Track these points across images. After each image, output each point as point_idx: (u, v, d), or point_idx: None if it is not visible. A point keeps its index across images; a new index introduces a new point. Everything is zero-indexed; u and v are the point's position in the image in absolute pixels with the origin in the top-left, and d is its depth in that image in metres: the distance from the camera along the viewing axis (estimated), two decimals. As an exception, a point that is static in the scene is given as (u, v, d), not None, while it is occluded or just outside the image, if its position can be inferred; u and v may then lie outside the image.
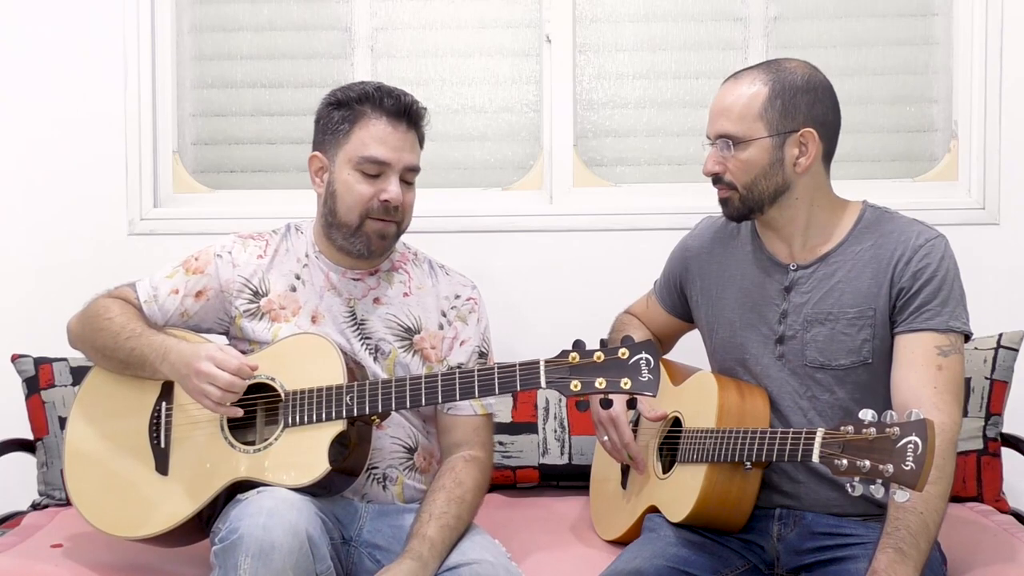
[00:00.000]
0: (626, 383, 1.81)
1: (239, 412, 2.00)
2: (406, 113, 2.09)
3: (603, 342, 1.85)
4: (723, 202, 2.09)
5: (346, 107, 2.11)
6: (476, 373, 1.91)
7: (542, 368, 1.86)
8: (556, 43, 2.95)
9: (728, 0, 2.97)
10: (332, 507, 2.03)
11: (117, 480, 2.11)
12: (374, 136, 2.07)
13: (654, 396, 1.84)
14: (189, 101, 3.04)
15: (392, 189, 2.07)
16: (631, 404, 1.87)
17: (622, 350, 1.82)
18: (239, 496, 1.94)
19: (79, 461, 2.16)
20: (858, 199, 2.14)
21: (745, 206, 2.06)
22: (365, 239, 2.11)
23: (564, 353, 1.85)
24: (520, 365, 1.88)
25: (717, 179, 2.08)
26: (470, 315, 2.23)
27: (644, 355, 1.82)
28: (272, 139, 3.05)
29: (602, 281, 2.85)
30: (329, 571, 1.88)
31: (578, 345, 1.86)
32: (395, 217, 2.11)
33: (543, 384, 1.86)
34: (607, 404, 1.87)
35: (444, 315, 2.21)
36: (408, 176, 2.12)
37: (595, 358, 1.83)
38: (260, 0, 3.02)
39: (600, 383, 1.82)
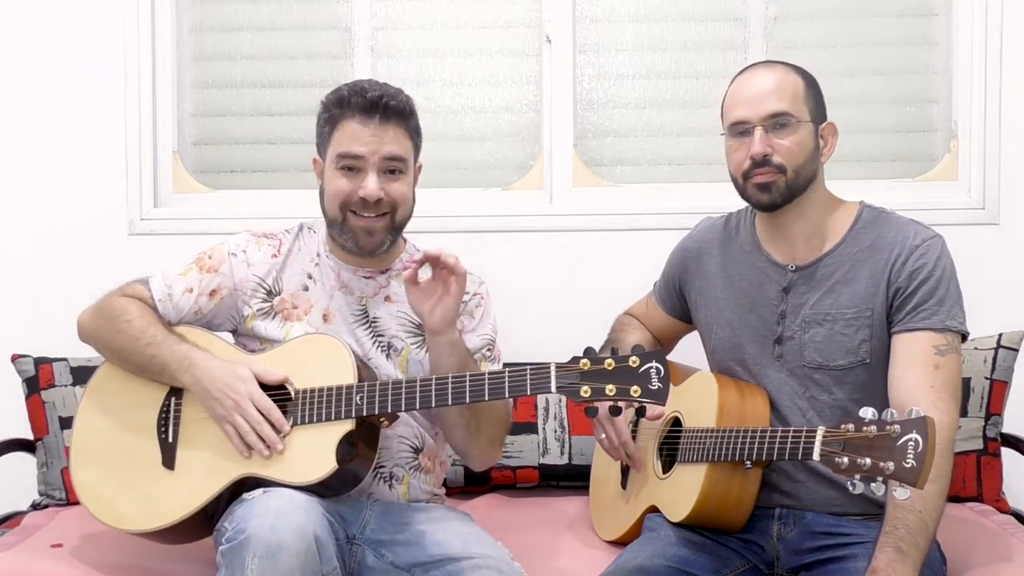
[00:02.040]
0: (636, 391, 1.81)
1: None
2: (375, 106, 2.09)
3: (614, 350, 1.86)
4: (765, 187, 2.04)
5: (327, 111, 2.14)
6: (487, 376, 1.91)
7: (553, 372, 1.86)
8: (556, 43, 2.95)
9: (728, 0, 2.97)
10: (337, 506, 2.02)
11: (123, 473, 2.10)
12: (347, 134, 2.09)
13: (663, 405, 1.84)
14: (189, 101, 3.04)
15: (369, 185, 2.07)
16: (640, 412, 1.87)
17: (633, 358, 1.82)
18: (245, 495, 1.94)
19: (86, 453, 2.15)
20: (856, 199, 2.14)
21: (789, 190, 2.04)
22: (352, 235, 2.12)
23: (575, 359, 1.85)
24: (531, 368, 1.88)
25: (764, 162, 2.03)
26: (476, 309, 2.23)
27: (655, 364, 1.82)
28: (272, 139, 3.05)
29: (602, 281, 2.85)
30: (335, 572, 1.88)
31: (589, 352, 1.86)
32: (379, 211, 2.10)
33: (553, 389, 1.85)
34: (616, 411, 1.87)
35: None
36: (391, 166, 2.10)
37: (606, 365, 1.83)
38: (260, 0, 3.02)
39: (610, 390, 1.82)
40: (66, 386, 2.65)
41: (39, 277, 2.94)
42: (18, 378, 2.69)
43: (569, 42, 2.95)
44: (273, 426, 1.98)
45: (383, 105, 2.09)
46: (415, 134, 2.16)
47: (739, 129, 2.06)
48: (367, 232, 2.11)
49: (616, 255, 2.89)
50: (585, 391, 1.83)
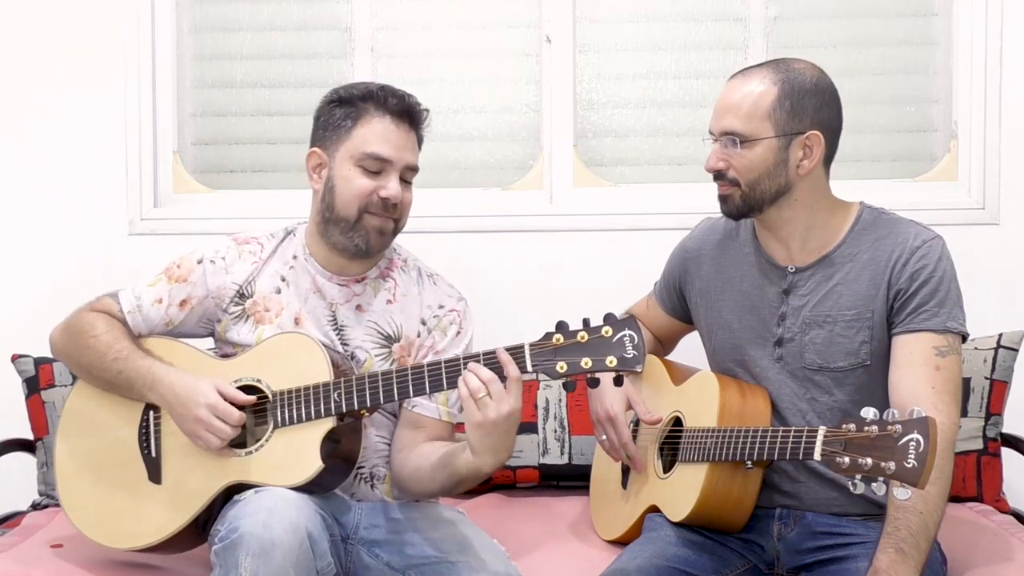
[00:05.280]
0: (611, 361, 1.81)
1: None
2: (409, 113, 2.10)
3: (586, 321, 1.85)
4: (723, 199, 2.09)
5: (349, 104, 2.11)
6: (462, 360, 1.90)
7: (527, 352, 1.85)
8: (556, 43, 2.95)
9: (728, 0, 2.97)
10: (327, 505, 2.03)
11: (111, 493, 2.10)
12: (377, 133, 2.08)
13: (640, 371, 1.83)
14: (189, 101, 3.04)
15: (392, 186, 2.07)
16: (618, 381, 1.87)
17: (605, 328, 1.82)
18: (236, 497, 1.94)
19: (71, 477, 2.14)
20: (856, 199, 2.14)
21: (746, 204, 2.06)
22: (364, 234, 2.09)
23: (548, 335, 1.85)
24: (505, 350, 1.87)
25: (719, 175, 2.07)
26: (450, 326, 2.19)
27: (627, 331, 1.81)
28: (272, 139, 3.04)
29: (602, 281, 2.85)
30: (329, 567, 1.89)
31: (561, 326, 1.85)
32: (393, 214, 2.10)
33: (529, 368, 1.85)
34: (594, 383, 1.87)
35: (424, 323, 2.18)
36: (407, 175, 2.12)
37: (579, 338, 1.83)
38: (260, 0, 3.02)
39: (586, 363, 1.82)
40: (66, 386, 2.64)
41: (39, 277, 2.94)
42: (18, 378, 2.69)
43: (569, 42, 2.95)
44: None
45: (416, 113, 2.11)
46: (421, 144, 2.18)
47: (711, 136, 2.08)
48: (380, 232, 2.10)
49: (616, 255, 2.89)
50: (561, 367, 1.83)
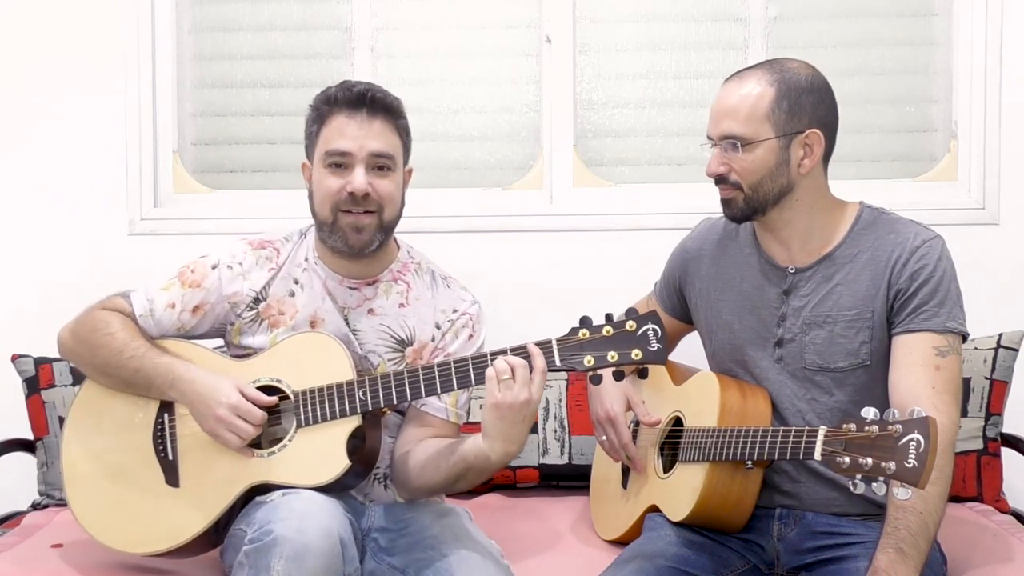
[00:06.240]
0: (637, 354, 1.84)
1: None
2: (361, 101, 2.07)
3: (608, 316, 1.88)
4: (726, 203, 2.08)
5: (315, 110, 2.12)
6: (488, 356, 1.91)
7: (555, 347, 1.88)
8: (556, 43, 2.95)
9: (728, 0, 2.97)
10: (347, 507, 2.02)
11: (127, 498, 2.09)
12: (334, 130, 2.07)
13: (664, 365, 1.89)
14: (189, 101, 3.04)
15: (356, 180, 2.04)
16: (642, 374, 1.90)
17: (629, 322, 1.86)
18: (259, 499, 1.94)
19: (82, 483, 2.13)
20: (855, 199, 2.14)
21: (749, 207, 2.05)
22: (341, 234, 2.08)
23: (574, 330, 1.88)
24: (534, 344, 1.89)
25: (721, 179, 2.06)
26: (462, 330, 2.19)
27: (651, 325, 1.85)
28: (272, 139, 3.04)
29: (602, 281, 2.85)
30: (357, 572, 1.89)
31: (585, 321, 1.88)
32: (368, 207, 2.06)
33: (558, 363, 1.87)
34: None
35: (438, 327, 2.18)
36: (379, 163, 2.07)
37: (604, 332, 1.86)
38: (260, 0, 3.02)
39: (612, 356, 1.85)
40: (66, 386, 2.65)
41: (39, 277, 2.94)
42: (18, 378, 2.69)
43: (569, 42, 2.95)
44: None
45: (369, 98, 2.07)
46: (404, 133, 2.13)
47: (708, 141, 2.08)
48: (356, 229, 2.07)
49: (616, 255, 2.89)
50: (588, 360, 1.87)
